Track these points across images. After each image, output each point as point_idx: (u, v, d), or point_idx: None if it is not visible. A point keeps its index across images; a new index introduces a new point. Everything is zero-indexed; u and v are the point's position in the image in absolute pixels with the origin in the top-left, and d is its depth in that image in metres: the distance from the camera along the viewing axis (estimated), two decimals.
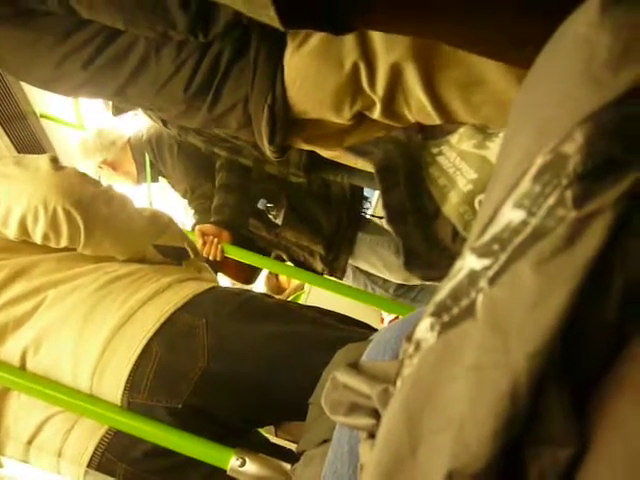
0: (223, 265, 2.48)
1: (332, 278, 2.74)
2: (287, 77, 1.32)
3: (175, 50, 1.34)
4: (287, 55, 1.31)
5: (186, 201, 2.92)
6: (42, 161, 1.29)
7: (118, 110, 1.90)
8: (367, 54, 1.23)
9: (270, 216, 2.80)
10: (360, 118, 1.39)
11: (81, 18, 1.31)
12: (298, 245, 2.78)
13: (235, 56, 1.34)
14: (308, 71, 1.30)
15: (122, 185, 2.93)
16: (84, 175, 1.35)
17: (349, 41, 1.23)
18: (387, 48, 1.20)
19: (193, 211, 2.87)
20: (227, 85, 1.36)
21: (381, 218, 3.01)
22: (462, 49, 1.10)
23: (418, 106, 1.27)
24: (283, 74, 1.32)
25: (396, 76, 1.23)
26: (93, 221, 1.29)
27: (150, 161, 2.85)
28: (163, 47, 1.35)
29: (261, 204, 2.77)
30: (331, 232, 2.77)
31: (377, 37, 1.21)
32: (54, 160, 1.31)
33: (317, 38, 1.26)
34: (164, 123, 2.08)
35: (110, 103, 1.88)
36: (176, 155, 2.74)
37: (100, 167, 2.89)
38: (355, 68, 1.24)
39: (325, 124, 1.44)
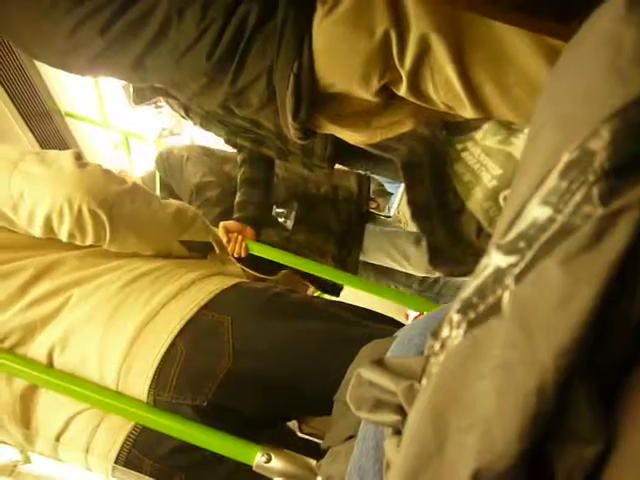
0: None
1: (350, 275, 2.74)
2: (315, 44, 1.29)
3: (200, 12, 1.31)
4: (316, 21, 1.28)
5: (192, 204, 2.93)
6: (65, 158, 1.28)
7: (139, 97, 1.87)
8: (399, 22, 1.21)
9: (281, 221, 2.82)
10: (387, 97, 1.36)
11: None
12: (309, 247, 2.78)
13: (261, 20, 1.31)
14: (338, 38, 1.28)
15: None
16: (108, 172, 1.35)
17: (381, 7, 1.21)
18: (419, 17, 1.17)
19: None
20: (251, 53, 1.33)
21: (388, 217, 3.03)
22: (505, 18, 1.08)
23: (446, 84, 1.24)
24: (311, 41, 1.29)
25: (425, 49, 1.19)
26: (118, 219, 1.30)
27: (160, 178, 2.87)
28: (187, 8, 1.31)
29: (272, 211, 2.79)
30: (341, 229, 2.78)
31: (410, 5, 1.18)
32: (77, 157, 1.30)
33: (348, 3, 1.24)
34: (186, 111, 2.07)
35: (131, 91, 1.85)
36: (185, 161, 2.76)
37: None
38: (386, 36, 1.22)
39: (351, 102, 1.40)
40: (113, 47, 1.39)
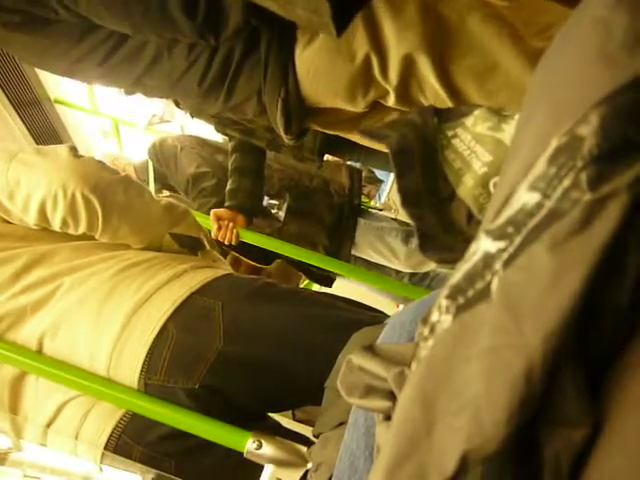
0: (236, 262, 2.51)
1: (345, 264, 2.75)
2: (299, 70, 1.33)
3: (187, 49, 1.35)
4: (298, 50, 1.31)
5: (187, 195, 2.91)
6: (61, 149, 1.31)
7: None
8: (378, 46, 1.23)
9: (273, 212, 2.82)
10: (376, 103, 1.39)
11: (93, 22, 1.32)
12: (301, 238, 2.79)
13: (246, 52, 1.34)
14: (320, 64, 1.30)
15: None
16: (102, 163, 1.37)
17: (359, 34, 1.23)
18: (398, 39, 1.20)
19: (192, 202, 2.85)
20: (240, 80, 1.37)
21: (381, 210, 3.03)
22: None
23: (433, 93, 1.27)
24: (295, 68, 1.33)
25: (409, 66, 1.23)
26: (110, 207, 1.31)
27: (154, 167, 2.86)
28: (175, 46, 1.36)
29: (264, 200, 2.79)
30: (333, 221, 2.79)
31: (388, 28, 1.20)
32: (73, 149, 1.33)
33: None
34: (177, 104, 2.08)
35: None
36: (179, 151, 2.75)
37: None
38: (367, 60, 1.25)
39: (341, 111, 1.44)
40: (112, 74, 1.46)
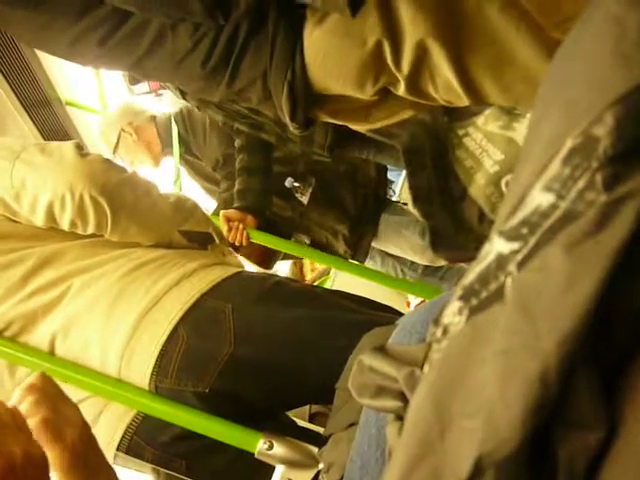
0: (244, 249, 2.48)
1: (357, 263, 2.73)
2: (307, 53, 1.29)
3: (192, 27, 1.32)
4: (307, 30, 1.28)
5: (217, 172, 2.87)
6: (67, 148, 1.29)
7: (135, 78, 1.87)
8: (392, 31, 1.19)
9: (297, 195, 2.80)
10: (385, 92, 1.36)
11: None
12: (322, 226, 2.78)
13: (253, 31, 1.31)
14: (329, 47, 1.27)
15: (140, 160, 2.87)
16: (109, 161, 1.36)
17: (372, 17, 1.19)
18: (413, 25, 1.16)
19: (222, 179, 2.81)
20: (245, 61, 1.34)
21: (405, 205, 3.01)
22: None
23: (446, 85, 1.24)
24: (302, 49, 1.29)
25: (422, 54, 1.19)
26: (119, 207, 1.30)
27: (179, 133, 2.81)
28: (179, 25, 1.32)
29: (288, 183, 2.75)
30: (356, 213, 2.77)
31: (402, 14, 1.17)
32: (78, 147, 1.31)
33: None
34: (183, 95, 2.07)
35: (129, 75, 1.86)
36: (209, 125, 2.72)
37: (123, 130, 2.81)
38: (378, 45, 1.21)
39: (349, 98, 1.41)
40: (111, 55, 1.41)
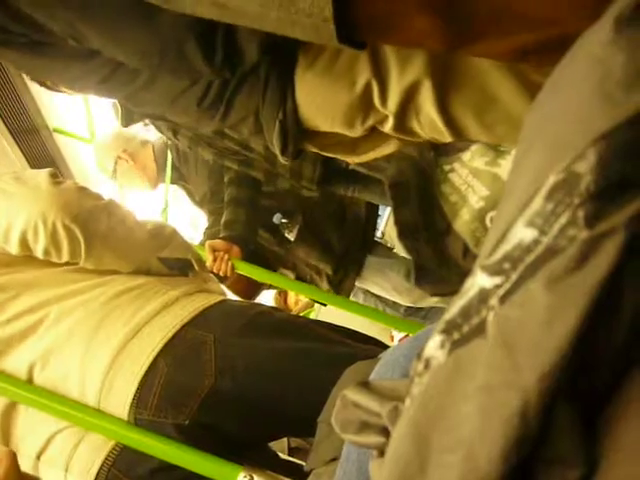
0: (229, 280, 2.48)
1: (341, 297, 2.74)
2: (298, 93, 1.31)
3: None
4: (299, 72, 1.30)
5: (204, 206, 2.89)
6: (41, 177, 1.29)
7: (127, 120, 1.89)
8: (380, 73, 1.21)
9: (285, 232, 2.81)
10: (373, 128, 1.38)
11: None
12: (307, 263, 2.78)
13: (247, 73, 1.32)
14: (320, 88, 1.29)
15: (138, 184, 2.89)
16: (84, 189, 1.35)
17: (362, 59, 1.22)
18: (402, 67, 1.18)
19: (208, 214, 2.84)
20: (238, 98, 1.35)
21: (392, 249, 3.03)
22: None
23: (430, 123, 1.26)
24: (294, 90, 1.31)
25: (410, 94, 1.21)
26: (93, 235, 1.29)
27: (172, 162, 2.83)
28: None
29: (276, 219, 2.77)
30: (341, 253, 2.77)
31: (391, 55, 1.19)
32: (53, 175, 1.31)
33: (329, 55, 1.25)
34: (174, 134, 2.07)
35: (119, 112, 1.87)
36: (201, 158, 2.73)
37: (119, 157, 2.83)
38: (367, 87, 1.23)
39: (338, 134, 1.43)
40: (109, 89, 1.43)
